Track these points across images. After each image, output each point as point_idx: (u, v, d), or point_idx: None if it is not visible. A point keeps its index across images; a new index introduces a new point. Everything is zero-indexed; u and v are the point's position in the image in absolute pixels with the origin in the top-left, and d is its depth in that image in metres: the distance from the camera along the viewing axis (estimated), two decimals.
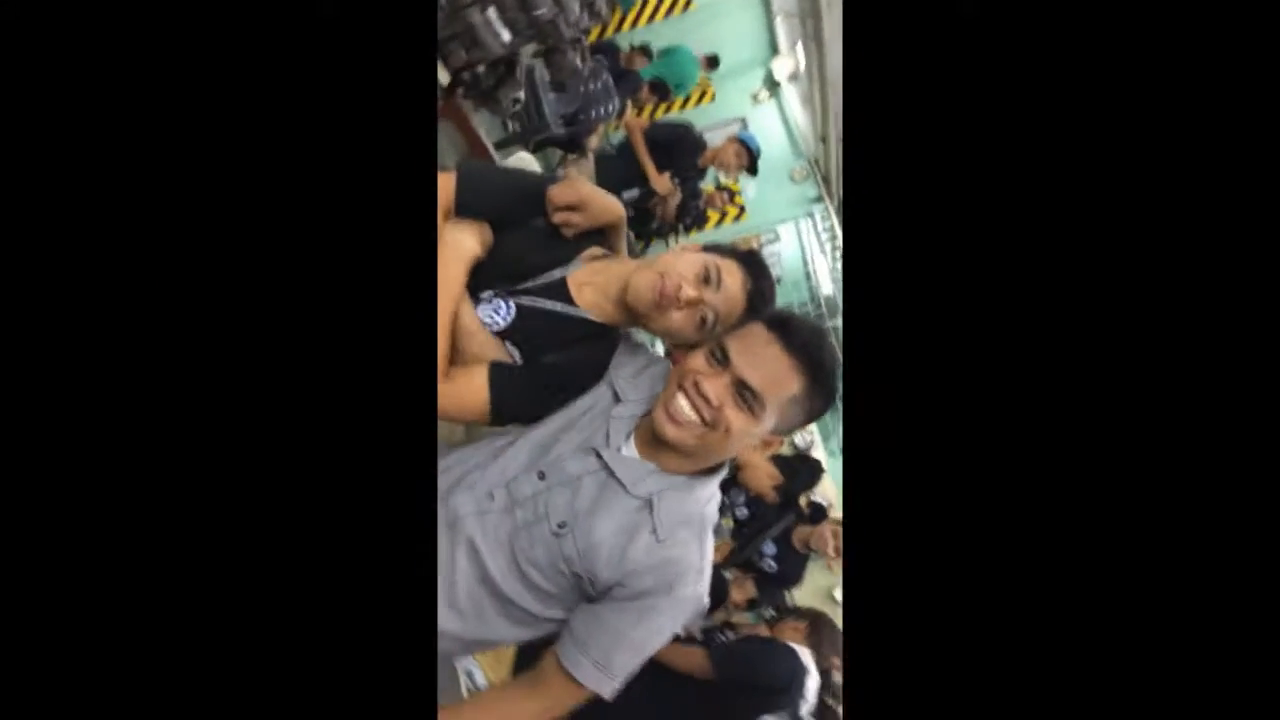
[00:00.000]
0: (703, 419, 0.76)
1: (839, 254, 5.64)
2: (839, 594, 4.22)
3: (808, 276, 6.22)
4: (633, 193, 3.17)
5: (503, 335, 0.89)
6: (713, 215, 6.08)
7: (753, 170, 3.28)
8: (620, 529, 0.79)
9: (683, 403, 0.77)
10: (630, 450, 0.84)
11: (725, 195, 4.97)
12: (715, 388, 0.76)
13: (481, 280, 0.91)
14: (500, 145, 2.41)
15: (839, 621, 2.55)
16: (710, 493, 0.85)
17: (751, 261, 0.89)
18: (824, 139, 5.29)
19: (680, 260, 0.86)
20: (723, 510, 2.21)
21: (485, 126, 2.20)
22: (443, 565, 0.80)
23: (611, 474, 0.81)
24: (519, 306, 0.90)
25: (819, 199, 5.86)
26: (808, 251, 6.24)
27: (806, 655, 2.09)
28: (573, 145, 3.54)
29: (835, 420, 5.65)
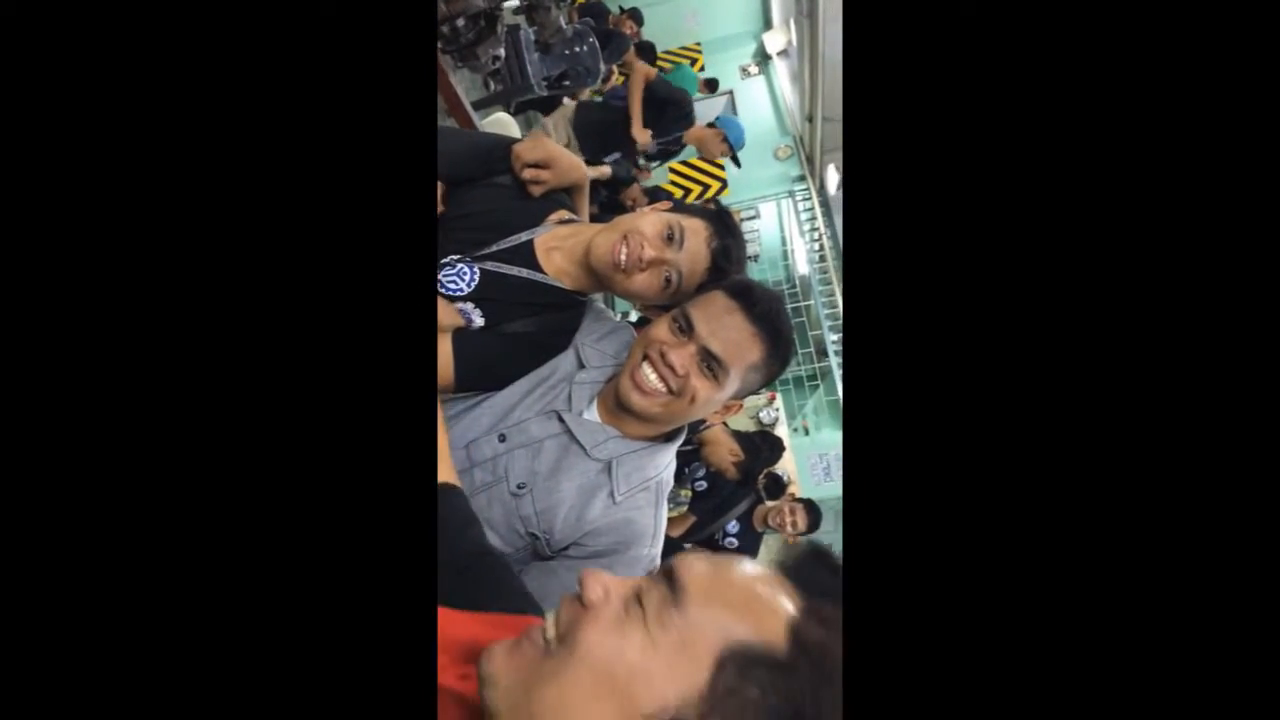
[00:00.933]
0: (669, 388, 0.78)
1: (817, 235, 5.65)
2: None
3: (785, 256, 6.24)
4: (614, 156, 3.13)
5: (467, 301, 0.88)
6: (694, 188, 6.05)
7: (734, 161, 3.28)
8: (579, 489, 0.80)
9: (649, 372, 0.78)
10: (592, 415, 0.85)
11: (712, 205, 4.98)
12: (681, 357, 0.77)
13: (445, 244, 0.89)
14: (479, 105, 2.36)
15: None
16: (667, 459, 0.86)
17: (718, 219, 0.88)
18: (810, 118, 5.27)
19: (643, 220, 0.85)
20: (680, 480, 2.24)
21: (464, 85, 2.15)
22: None
23: (573, 437, 0.82)
24: (483, 272, 0.88)
25: (801, 178, 5.85)
26: (787, 231, 6.25)
27: None
28: (555, 108, 3.49)
29: (801, 398, 5.73)
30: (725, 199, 6.08)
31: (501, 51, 1.64)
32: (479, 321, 0.88)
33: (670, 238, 0.83)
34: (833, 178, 5.15)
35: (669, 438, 0.86)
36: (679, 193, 5.97)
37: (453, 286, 0.87)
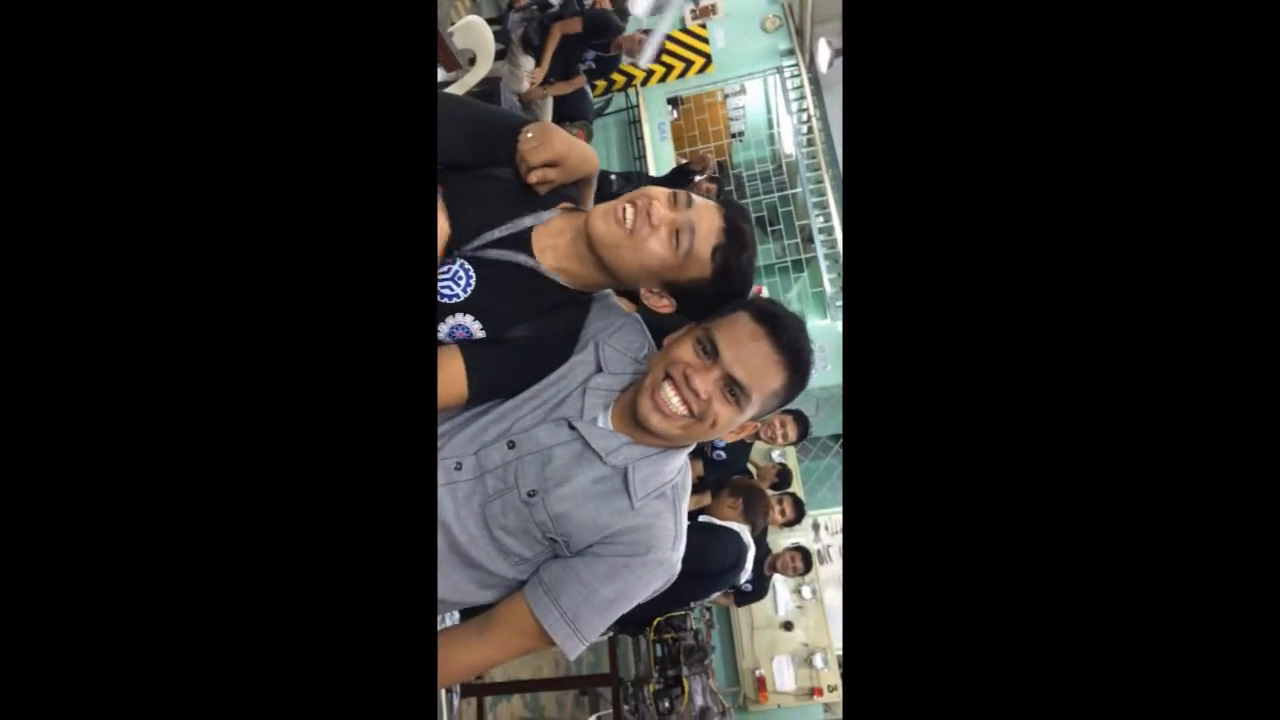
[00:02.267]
0: (691, 411, 0.78)
1: (805, 114, 5.41)
2: (776, 454, 4.55)
3: (771, 138, 6.00)
4: (589, 59, 3.00)
5: (463, 308, 0.84)
6: (676, 64, 5.69)
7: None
8: (594, 495, 0.81)
9: (671, 394, 0.78)
10: (605, 423, 0.85)
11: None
12: (704, 381, 0.77)
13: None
14: None
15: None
16: (680, 462, 0.87)
17: (725, 200, 0.87)
18: None
19: (647, 188, 0.82)
20: None
21: None
22: None
23: (587, 444, 0.82)
24: (479, 269, 0.84)
25: (790, 52, 5.51)
26: (774, 109, 5.96)
27: (745, 532, 2.30)
28: None
29: (786, 288, 5.73)
30: (710, 75, 5.74)
31: None
32: (477, 330, 0.85)
33: (676, 200, 0.81)
34: (824, 53, 4.85)
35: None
36: (660, 70, 5.63)
37: (448, 293, 0.83)
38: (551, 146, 0.85)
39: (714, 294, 0.83)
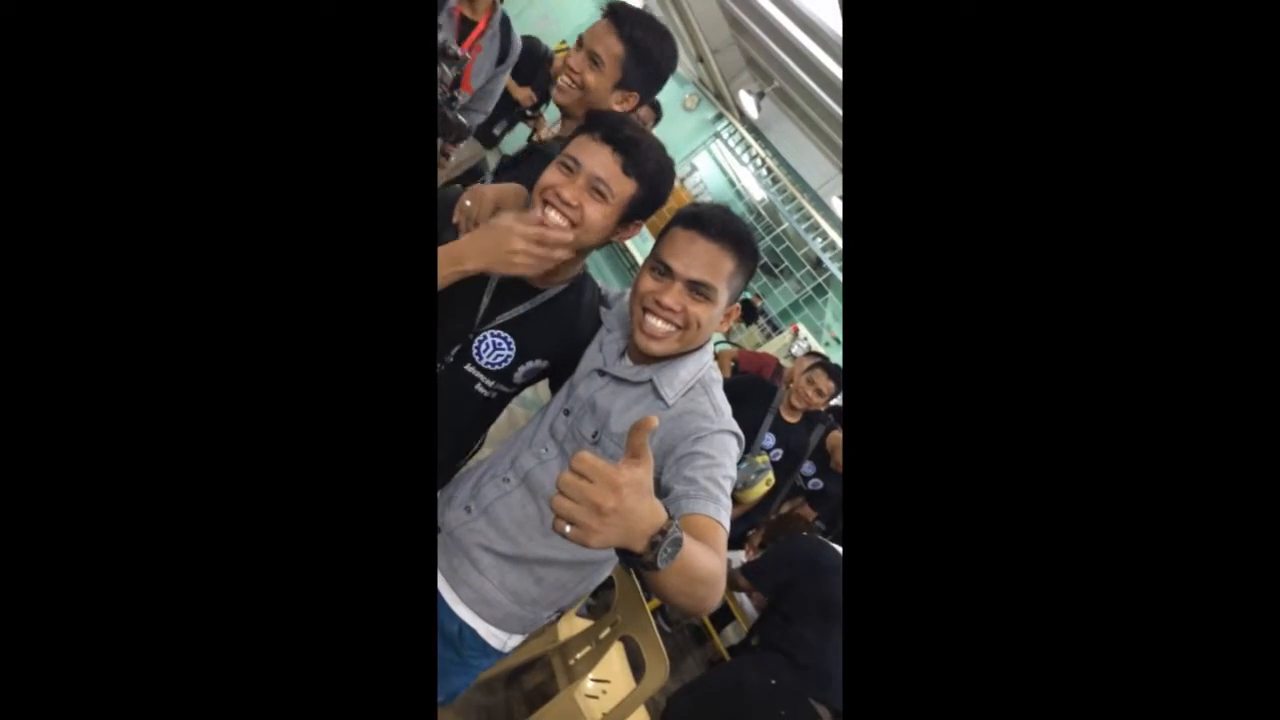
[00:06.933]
0: (675, 325, 0.90)
1: (758, 159, 5.62)
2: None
3: (738, 195, 6.21)
4: (502, 124, 3.24)
5: (511, 369, 1.01)
6: None
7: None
8: (637, 414, 0.88)
9: (654, 321, 0.90)
10: (626, 363, 0.98)
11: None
12: (672, 296, 0.90)
13: (456, 332, 0.99)
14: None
15: None
16: (702, 361, 0.96)
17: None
18: (700, 59, 5.23)
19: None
20: (752, 446, 2.24)
21: None
22: (529, 517, 0.95)
23: (616, 379, 0.96)
24: (510, 337, 1.00)
25: (720, 116, 5.82)
26: (729, 170, 6.21)
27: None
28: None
29: (818, 315, 5.72)
30: None
31: None
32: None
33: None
34: (748, 101, 5.11)
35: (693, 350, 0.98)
36: None
37: (490, 363, 0.99)
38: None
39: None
